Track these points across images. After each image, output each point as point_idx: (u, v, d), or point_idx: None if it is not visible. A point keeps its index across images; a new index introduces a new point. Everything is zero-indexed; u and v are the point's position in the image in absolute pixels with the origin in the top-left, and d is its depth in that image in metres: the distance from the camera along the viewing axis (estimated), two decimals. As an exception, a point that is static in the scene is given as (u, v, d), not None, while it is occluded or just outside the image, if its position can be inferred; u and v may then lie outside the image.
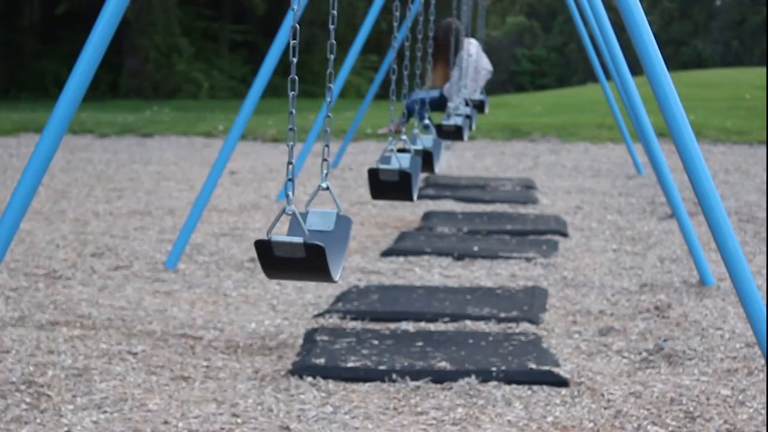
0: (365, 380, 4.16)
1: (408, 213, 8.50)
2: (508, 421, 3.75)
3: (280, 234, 2.89)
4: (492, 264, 6.45)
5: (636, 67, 7.43)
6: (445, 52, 9.40)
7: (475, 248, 6.82)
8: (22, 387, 3.98)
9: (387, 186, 4.23)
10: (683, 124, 3.46)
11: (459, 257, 6.61)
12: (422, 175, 9.99)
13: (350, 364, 4.29)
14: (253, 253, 6.29)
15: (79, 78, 3.70)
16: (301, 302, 5.47)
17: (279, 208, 2.95)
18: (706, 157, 4.73)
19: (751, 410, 3.88)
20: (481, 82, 9.50)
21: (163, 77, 24.56)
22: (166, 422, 3.69)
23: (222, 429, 3.64)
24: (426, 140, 5.25)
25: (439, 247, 6.84)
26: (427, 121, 5.97)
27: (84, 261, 6.34)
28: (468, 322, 5.04)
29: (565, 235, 7.49)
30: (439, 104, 9.74)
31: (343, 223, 3.12)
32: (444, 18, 9.21)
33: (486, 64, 9.58)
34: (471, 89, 9.40)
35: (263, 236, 2.89)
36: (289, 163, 2.96)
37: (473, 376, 4.14)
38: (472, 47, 9.54)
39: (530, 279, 6.07)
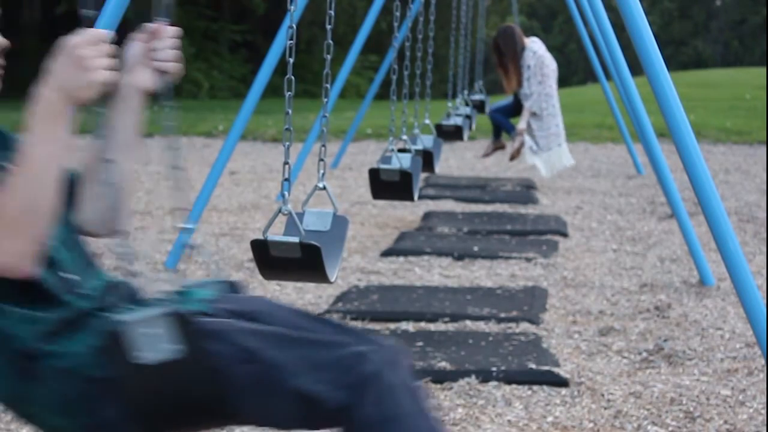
0: (365, 380, 4.14)
1: (408, 213, 8.49)
2: (508, 421, 3.74)
3: (277, 234, 2.89)
4: (492, 264, 6.44)
5: (636, 67, 7.41)
6: (512, 59, 9.29)
7: (475, 248, 6.81)
8: (21, 387, 3.97)
9: (388, 186, 4.24)
10: (683, 124, 3.45)
11: (459, 257, 6.60)
12: (422, 175, 9.98)
13: (350, 365, 4.27)
14: (253, 253, 6.26)
15: (78, 78, 3.68)
16: (301, 302, 5.46)
17: (278, 208, 2.94)
18: (706, 157, 4.70)
19: (751, 410, 3.87)
20: (552, 77, 9.38)
21: (163, 77, 24.55)
22: (164, 423, 3.67)
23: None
24: (426, 140, 5.25)
25: (439, 247, 6.83)
26: (427, 121, 5.95)
27: (83, 261, 6.33)
28: (468, 322, 5.03)
29: (565, 235, 7.48)
30: (517, 108, 9.66)
31: (339, 223, 3.11)
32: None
33: (551, 61, 9.44)
34: (546, 85, 9.30)
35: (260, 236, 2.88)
36: (285, 163, 2.95)
37: (473, 376, 4.13)
38: (535, 45, 9.42)
39: (530, 279, 6.06)
